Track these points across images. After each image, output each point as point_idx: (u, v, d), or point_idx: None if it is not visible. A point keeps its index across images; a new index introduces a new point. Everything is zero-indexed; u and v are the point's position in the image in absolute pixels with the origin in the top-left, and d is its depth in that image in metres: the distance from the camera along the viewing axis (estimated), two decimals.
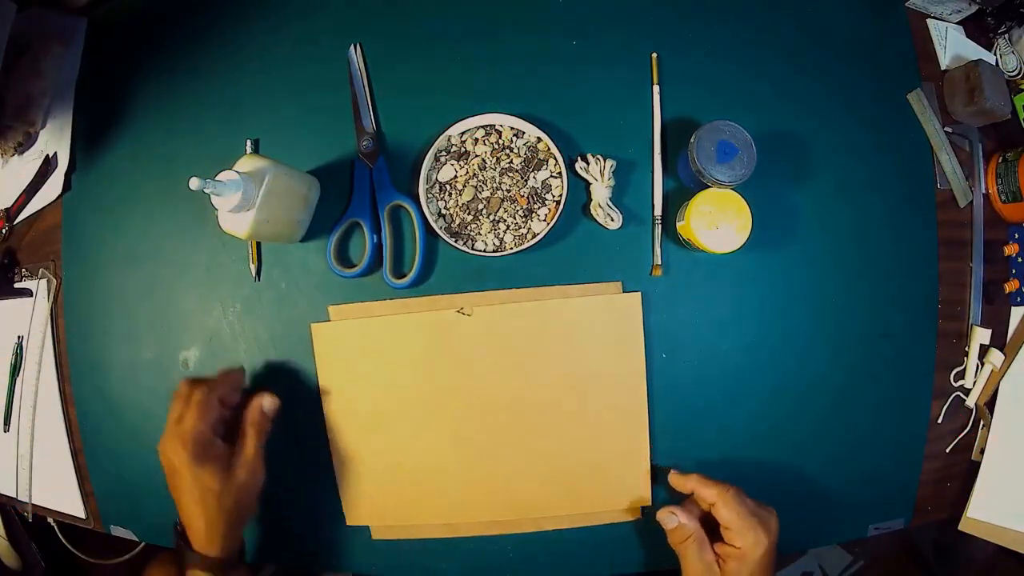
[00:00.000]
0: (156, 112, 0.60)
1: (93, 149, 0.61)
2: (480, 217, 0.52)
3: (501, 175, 0.52)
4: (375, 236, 0.54)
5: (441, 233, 0.52)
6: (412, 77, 0.56)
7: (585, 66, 0.55)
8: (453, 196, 0.53)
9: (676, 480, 0.50)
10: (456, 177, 0.53)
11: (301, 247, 0.56)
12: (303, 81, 0.57)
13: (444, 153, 0.53)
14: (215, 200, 0.45)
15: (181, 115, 0.59)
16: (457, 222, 0.53)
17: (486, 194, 0.52)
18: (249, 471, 0.49)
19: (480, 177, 0.53)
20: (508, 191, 0.52)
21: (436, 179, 0.53)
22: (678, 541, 0.48)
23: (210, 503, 0.46)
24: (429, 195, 0.53)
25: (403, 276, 0.53)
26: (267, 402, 0.51)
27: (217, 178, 0.44)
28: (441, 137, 0.53)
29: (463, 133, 0.53)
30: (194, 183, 0.41)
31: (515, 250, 0.51)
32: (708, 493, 0.47)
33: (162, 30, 0.61)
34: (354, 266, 0.54)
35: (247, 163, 0.47)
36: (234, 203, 0.44)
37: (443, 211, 0.53)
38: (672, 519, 0.48)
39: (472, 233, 0.52)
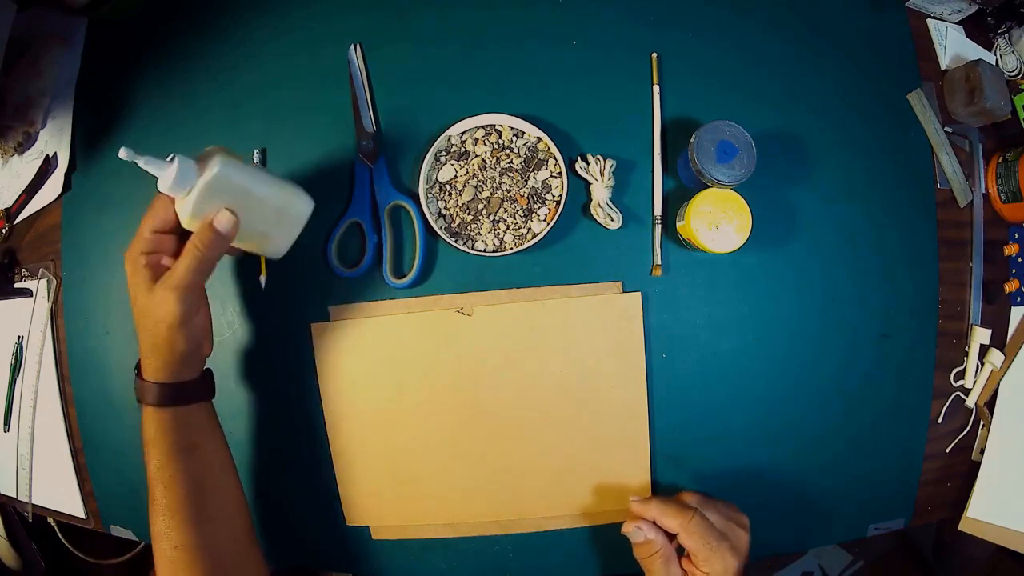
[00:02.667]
0: (156, 112, 0.59)
1: (93, 149, 0.61)
2: (480, 217, 0.52)
3: (501, 175, 0.52)
4: (375, 236, 0.54)
5: (441, 233, 0.52)
6: (412, 77, 0.56)
7: (585, 66, 0.55)
8: (453, 196, 0.53)
9: (637, 508, 0.48)
10: (456, 177, 0.53)
11: (301, 247, 0.55)
12: (303, 81, 0.57)
13: (444, 153, 0.53)
14: (152, 172, 0.43)
15: (181, 115, 0.59)
16: (457, 222, 0.53)
17: (486, 194, 0.52)
18: (171, 291, 0.43)
19: (480, 177, 0.53)
20: (508, 191, 0.52)
21: (436, 179, 0.53)
22: (644, 555, 0.47)
23: (138, 320, 0.45)
24: (429, 195, 0.53)
25: (403, 276, 0.53)
26: (221, 217, 0.44)
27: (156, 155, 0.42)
28: (441, 137, 0.53)
29: (463, 133, 0.53)
30: (122, 153, 0.40)
31: (515, 250, 0.51)
32: (670, 524, 0.46)
33: (162, 30, 0.61)
34: (355, 266, 0.54)
35: (206, 151, 0.44)
36: (168, 181, 0.42)
37: (443, 211, 0.53)
38: (639, 534, 0.46)
39: (472, 233, 0.52)
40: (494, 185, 0.52)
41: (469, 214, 0.52)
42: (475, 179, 0.53)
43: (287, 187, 0.48)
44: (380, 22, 0.57)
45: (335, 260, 0.54)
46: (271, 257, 0.51)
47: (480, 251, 0.52)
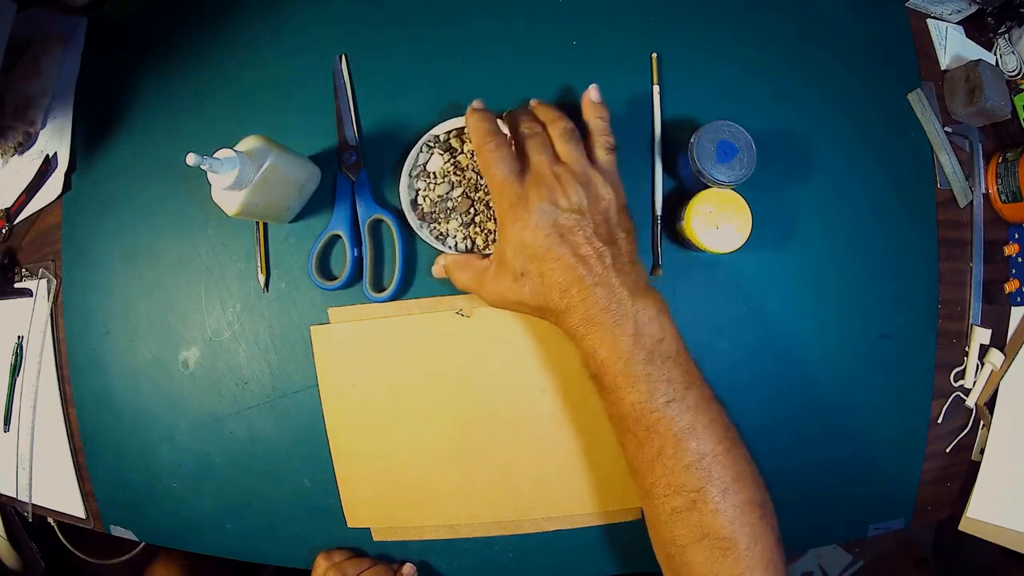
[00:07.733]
0: (156, 112, 0.59)
1: (93, 149, 0.61)
2: (451, 217, 0.52)
3: (479, 176, 0.52)
4: (355, 249, 0.54)
5: (421, 234, 0.51)
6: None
7: (585, 66, 0.55)
8: (432, 188, 0.52)
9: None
10: (435, 174, 0.53)
11: (301, 248, 0.56)
12: (299, 84, 0.57)
13: (432, 144, 0.53)
14: (211, 176, 0.45)
15: (181, 115, 0.59)
16: (430, 217, 0.52)
17: (457, 192, 0.52)
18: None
19: (459, 176, 0.52)
20: (488, 193, 0.51)
21: (423, 166, 0.53)
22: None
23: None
24: (411, 177, 0.52)
25: (383, 290, 0.53)
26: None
27: (215, 155, 0.44)
28: (428, 133, 0.52)
29: (448, 132, 0.53)
30: (191, 159, 0.41)
31: (487, 251, 0.51)
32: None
33: (162, 30, 0.61)
34: (335, 279, 0.54)
35: (249, 143, 0.47)
36: (229, 182, 0.44)
37: (419, 201, 0.53)
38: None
39: (442, 230, 0.52)
40: (471, 185, 0.52)
41: (441, 212, 0.52)
42: (454, 176, 0.52)
43: (306, 162, 0.52)
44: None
45: (314, 272, 0.53)
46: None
47: (449, 249, 0.52)
